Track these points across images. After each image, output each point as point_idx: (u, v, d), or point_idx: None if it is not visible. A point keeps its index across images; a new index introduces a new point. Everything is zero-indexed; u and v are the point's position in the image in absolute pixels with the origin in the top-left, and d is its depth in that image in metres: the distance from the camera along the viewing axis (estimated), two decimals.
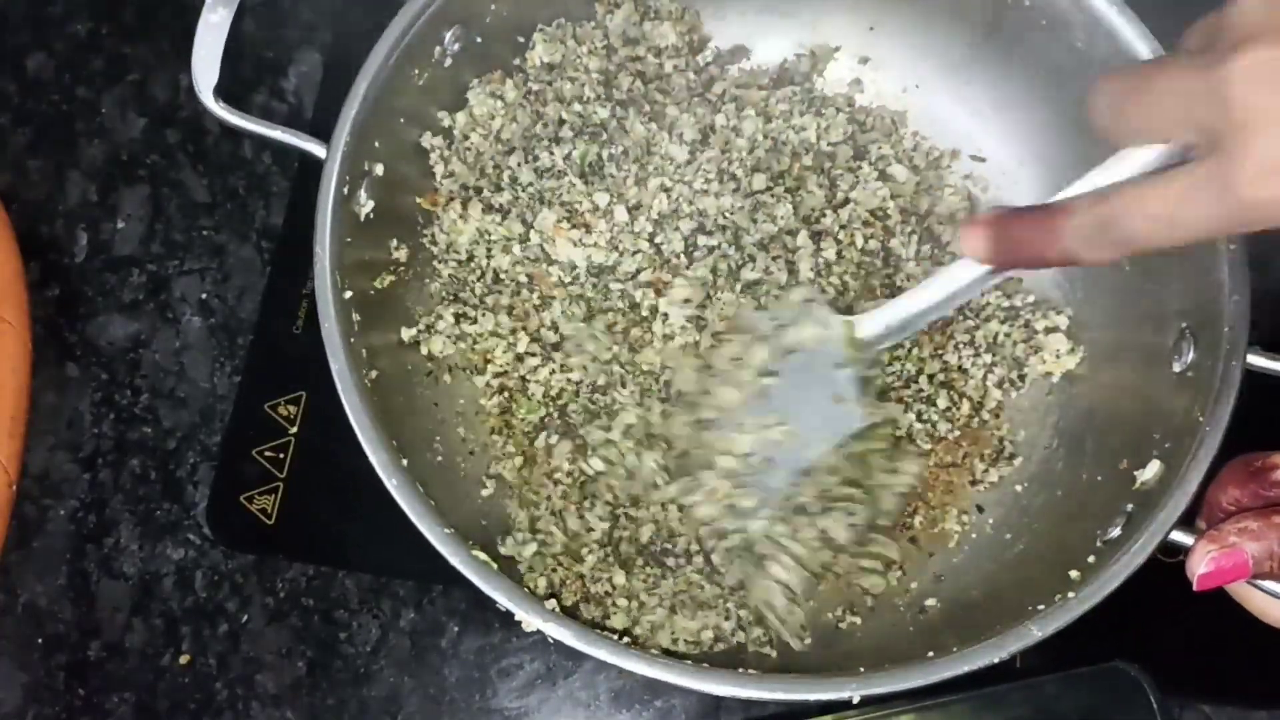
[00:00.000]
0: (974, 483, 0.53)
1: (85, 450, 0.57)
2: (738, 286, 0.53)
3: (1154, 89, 0.33)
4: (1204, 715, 0.53)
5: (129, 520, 0.55)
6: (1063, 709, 0.49)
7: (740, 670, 0.42)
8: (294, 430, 0.56)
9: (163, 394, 0.58)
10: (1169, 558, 0.42)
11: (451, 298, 0.54)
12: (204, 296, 0.59)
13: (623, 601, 0.49)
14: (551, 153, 0.53)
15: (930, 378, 0.53)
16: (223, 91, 0.47)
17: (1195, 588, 0.39)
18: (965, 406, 0.53)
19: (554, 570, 0.49)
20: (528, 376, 0.53)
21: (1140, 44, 0.48)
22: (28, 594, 0.54)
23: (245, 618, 0.54)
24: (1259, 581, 0.39)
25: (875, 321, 0.46)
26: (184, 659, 0.53)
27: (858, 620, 0.50)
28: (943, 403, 0.53)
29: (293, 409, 0.56)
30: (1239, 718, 0.53)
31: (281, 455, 0.55)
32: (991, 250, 0.38)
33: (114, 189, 0.61)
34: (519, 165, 0.53)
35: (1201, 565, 0.38)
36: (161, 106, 0.63)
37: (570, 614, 0.45)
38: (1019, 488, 0.53)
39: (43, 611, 0.54)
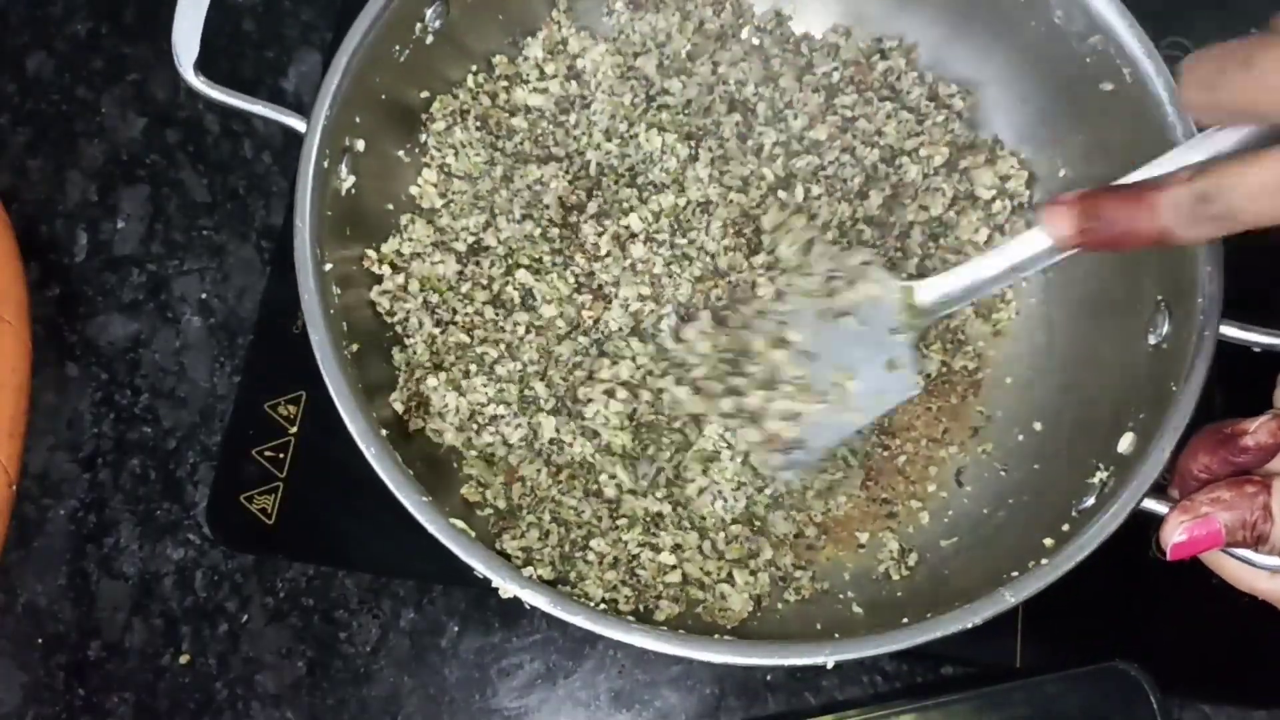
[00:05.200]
0: (953, 458, 0.53)
1: (85, 450, 0.57)
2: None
3: (1258, 65, 0.32)
4: (1204, 715, 0.53)
5: (129, 520, 0.55)
6: (1063, 709, 0.49)
7: (714, 636, 0.42)
8: (294, 430, 0.56)
9: (163, 394, 0.58)
10: (1162, 555, 0.42)
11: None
12: (204, 296, 0.59)
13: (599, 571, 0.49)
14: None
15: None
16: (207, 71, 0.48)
17: (1169, 557, 0.39)
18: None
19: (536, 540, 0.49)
20: (500, 360, 0.53)
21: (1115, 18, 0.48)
22: (28, 594, 0.54)
23: (245, 618, 0.54)
24: (1232, 550, 0.39)
25: (935, 288, 0.46)
26: (184, 659, 0.53)
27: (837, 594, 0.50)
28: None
29: (293, 409, 0.56)
30: (1239, 718, 0.53)
31: (281, 455, 0.55)
32: (1077, 229, 0.37)
33: (114, 189, 0.61)
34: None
35: (1175, 535, 0.39)
36: (161, 106, 0.63)
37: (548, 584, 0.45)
38: (997, 462, 0.53)
39: (43, 611, 0.54)
